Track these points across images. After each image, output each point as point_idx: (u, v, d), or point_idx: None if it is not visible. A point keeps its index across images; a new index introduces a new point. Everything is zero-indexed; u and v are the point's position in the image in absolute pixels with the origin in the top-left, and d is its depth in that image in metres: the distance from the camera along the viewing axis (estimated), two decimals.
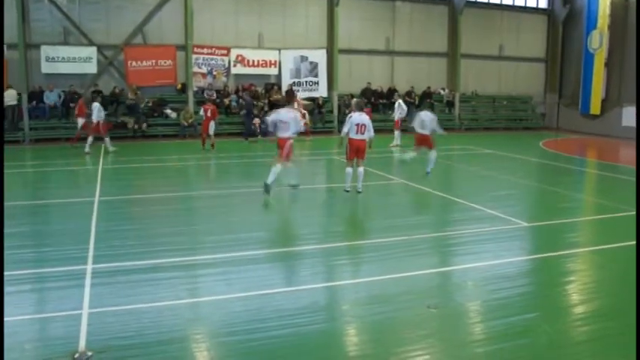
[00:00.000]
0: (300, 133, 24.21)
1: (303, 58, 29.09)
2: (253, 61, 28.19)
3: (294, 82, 28.86)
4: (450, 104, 32.35)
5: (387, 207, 12.94)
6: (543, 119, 35.23)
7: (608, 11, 30.91)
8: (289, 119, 12.84)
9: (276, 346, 5.77)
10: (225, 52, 27.60)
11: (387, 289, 7.41)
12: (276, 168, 12.84)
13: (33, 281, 7.58)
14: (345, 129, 13.37)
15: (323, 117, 28.63)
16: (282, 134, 12.95)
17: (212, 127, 21.74)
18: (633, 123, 28.37)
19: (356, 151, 13.34)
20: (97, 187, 13.96)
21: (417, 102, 30.58)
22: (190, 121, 25.62)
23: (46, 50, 24.37)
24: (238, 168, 19.17)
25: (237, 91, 27.71)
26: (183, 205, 13.09)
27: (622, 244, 9.78)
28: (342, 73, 29.50)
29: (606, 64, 31.36)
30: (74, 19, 24.98)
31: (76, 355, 5.42)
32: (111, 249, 8.93)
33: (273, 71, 28.76)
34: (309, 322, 6.33)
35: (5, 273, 7.50)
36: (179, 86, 27.06)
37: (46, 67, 24.45)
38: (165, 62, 26.37)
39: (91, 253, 8.58)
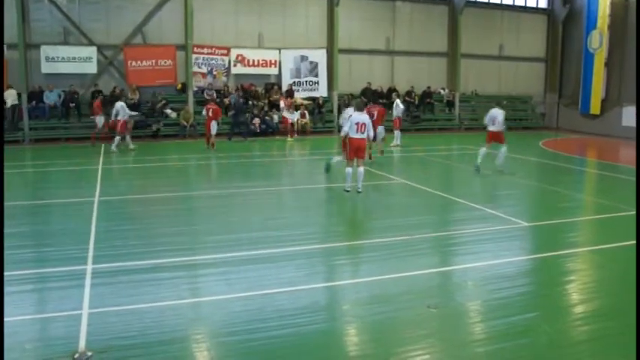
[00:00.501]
0: (283, 133, 24.27)
1: (304, 58, 29.10)
2: (253, 61, 28.19)
3: (294, 82, 28.88)
4: (450, 104, 32.36)
5: (387, 207, 12.94)
6: (543, 119, 35.22)
7: (608, 11, 30.90)
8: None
9: (276, 346, 5.78)
10: (225, 51, 27.60)
11: (388, 288, 7.41)
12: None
13: (33, 281, 7.59)
14: (345, 128, 13.40)
15: (323, 117, 28.64)
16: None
17: (214, 126, 21.78)
18: (633, 123, 28.36)
19: (356, 151, 13.36)
20: (97, 187, 13.96)
21: (416, 102, 30.60)
22: (190, 121, 25.62)
23: (45, 50, 24.38)
24: (239, 168, 19.16)
25: (237, 91, 27.71)
26: (184, 205, 13.09)
27: (622, 243, 9.78)
28: (342, 72, 29.50)
29: (606, 64, 31.35)
30: (74, 19, 24.98)
31: (76, 356, 5.42)
32: (111, 249, 8.94)
33: (274, 71, 28.76)
34: (310, 322, 6.33)
35: (5, 273, 7.50)
36: (179, 86, 27.07)
37: (45, 67, 24.45)
38: (165, 62, 26.37)
39: (91, 253, 8.59)
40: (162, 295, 7.05)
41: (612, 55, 31.16)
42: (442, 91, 32.49)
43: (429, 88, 31.43)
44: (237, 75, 28.15)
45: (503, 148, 16.95)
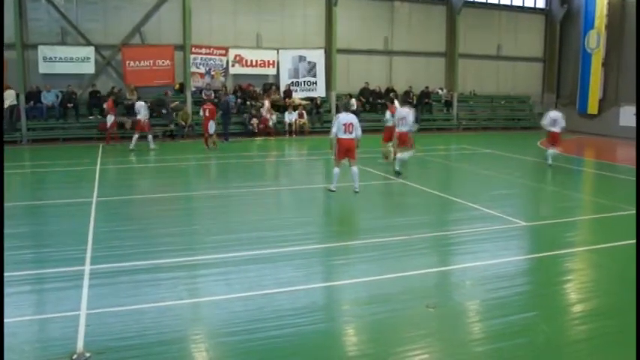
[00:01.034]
0: (263, 134, 24.32)
1: (302, 58, 29.09)
2: (251, 61, 28.18)
3: (292, 82, 28.87)
4: (448, 104, 32.37)
5: (385, 206, 12.95)
6: (541, 119, 35.20)
7: (605, 11, 30.96)
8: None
9: (275, 346, 5.78)
10: (223, 52, 27.59)
11: (386, 288, 7.41)
12: (402, 155, 16.18)
13: (31, 282, 7.58)
14: (333, 129, 13.44)
15: (321, 117, 28.62)
16: (402, 129, 15.96)
17: (212, 126, 21.84)
18: (630, 123, 28.41)
19: (346, 151, 13.40)
20: (94, 188, 13.95)
21: (415, 102, 30.59)
22: (188, 121, 25.62)
23: (43, 50, 24.34)
24: (238, 168, 19.16)
25: (235, 91, 27.71)
26: (183, 205, 13.08)
27: (620, 243, 9.80)
28: (340, 73, 29.50)
29: (603, 64, 31.41)
30: (72, 19, 24.95)
31: (74, 357, 5.41)
32: (110, 249, 8.93)
33: (272, 71, 28.76)
34: (309, 322, 6.34)
35: (4, 274, 7.50)
36: (177, 86, 27.05)
37: (43, 67, 24.42)
38: (163, 62, 26.35)
39: (89, 254, 8.58)
40: (161, 295, 7.05)
41: (610, 55, 31.22)
42: (440, 91, 32.50)
43: (427, 88, 31.44)
44: (235, 75, 28.14)
45: (557, 149, 18.38)
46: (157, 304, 6.77)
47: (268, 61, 28.49)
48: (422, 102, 31.07)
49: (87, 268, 7.96)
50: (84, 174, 16.13)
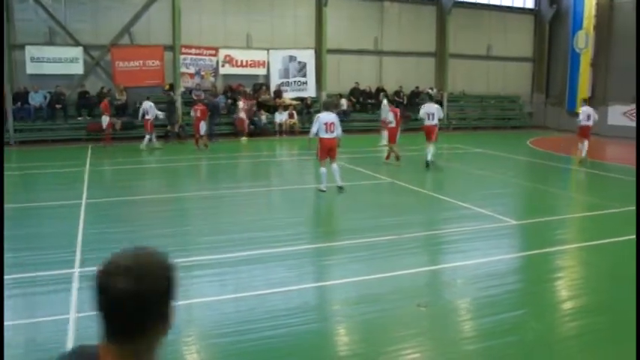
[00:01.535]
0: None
1: (292, 58, 29.05)
2: (241, 62, 28.11)
3: (282, 83, 28.83)
4: (439, 104, 32.39)
5: (376, 206, 12.95)
6: (531, 118, 35.38)
7: (593, 12, 31.13)
8: (435, 110, 16.46)
9: (268, 346, 5.77)
10: (213, 52, 27.51)
11: (377, 288, 7.42)
12: (430, 148, 17.30)
13: (19, 286, 7.50)
14: (314, 129, 13.52)
15: (311, 117, 28.51)
16: (430, 122, 17.49)
17: (203, 127, 21.80)
18: (618, 122, 28.56)
19: (328, 150, 13.50)
20: (84, 189, 13.86)
21: (405, 102, 30.64)
22: (179, 121, 25.51)
23: (30, 51, 24.16)
24: (229, 168, 19.14)
25: (225, 92, 27.65)
26: (174, 206, 13.04)
27: (609, 240, 9.86)
28: (330, 73, 29.49)
29: (592, 64, 31.59)
30: (60, 19, 24.78)
31: None
32: (99, 252, 8.85)
33: (262, 71, 28.69)
34: (301, 323, 6.33)
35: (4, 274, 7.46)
36: (167, 87, 26.92)
37: (30, 68, 24.22)
38: (152, 62, 26.24)
39: (78, 256, 8.53)
40: None
41: (598, 55, 31.40)
42: (430, 91, 32.53)
43: (417, 87, 31.48)
44: (225, 75, 28.06)
45: (587, 142, 19.33)
46: None
47: (258, 62, 28.42)
48: (412, 102, 31.09)
49: (76, 270, 7.92)
50: (73, 175, 16.03)
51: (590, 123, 19.52)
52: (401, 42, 31.67)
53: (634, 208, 12.40)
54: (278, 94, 28.30)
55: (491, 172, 17.43)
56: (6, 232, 10.11)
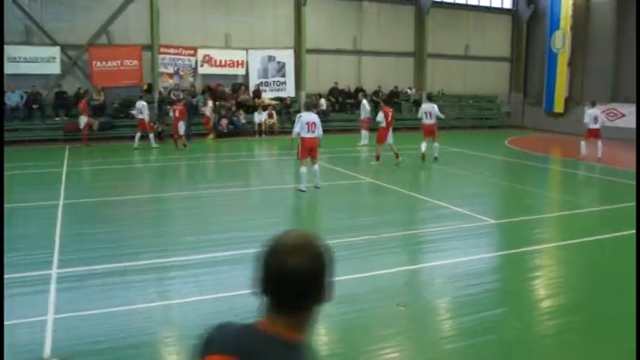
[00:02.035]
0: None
1: (271, 58, 28.99)
2: (220, 61, 27.99)
3: (261, 82, 28.76)
4: (417, 103, 32.51)
5: (355, 206, 12.98)
6: (509, 118, 35.65)
7: (570, 12, 31.46)
8: (432, 109, 17.26)
9: None
10: (192, 52, 27.36)
11: (356, 288, 7.42)
12: (429, 144, 18.48)
13: None
14: (296, 129, 13.64)
15: (291, 117, 28.51)
16: (428, 121, 18.60)
17: (181, 127, 21.68)
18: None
19: (309, 150, 13.58)
20: (61, 190, 13.72)
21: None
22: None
23: (7, 50, 23.82)
24: (209, 169, 19.06)
25: (204, 92, 27.50)
26: (153, 206, 12.94)
27: (587, 239, 9.98)
28: (309, 72, 29.48)
29: (569, 64, 31.93)
30: (36, 18, 24.47)
31: None
32: (78, 253, 8.79)
33: (241, 71, 28.59)
34: None
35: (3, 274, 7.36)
36: (145, 87, 26.72)
37: (7, 68, 23.86)
38: (130, 62, 26.02)
39: (56, 258, 8.44)
40: (132, 298, 6.97)
41: (575, 55, 31.75)
42: (409, 91, 32.67)
43: (396, 87, 31.58)
44: (204, 75, 27.93)
45: (600, 143, 19.86)
46: (127, 307, 6.69)
47: (237, 61, 28.32)
48: (391, 101, 31.13)
49: (54, 272, 7.84)
50: (50, 176, 15.85)
51: (598, 125, 19.97)
52: (380, 42, 31.75)
53: (611, 207, 12.58)
54: (257, 94, 28.23)
55: (470, 171, 17.54)
56: None
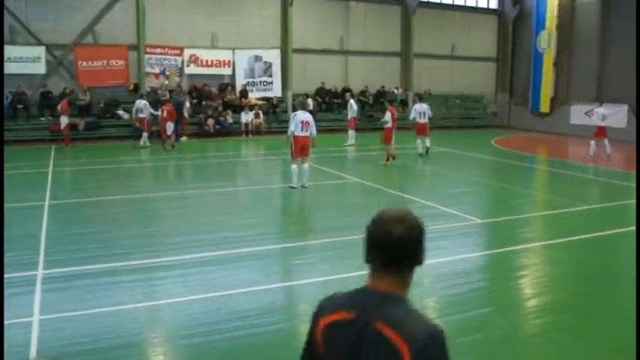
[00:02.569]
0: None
1: (257, 58, 28.95)
2: (207, 61, 27.92)
3: (248, 82, 28.71)
4: (404, 103, 32.63)
5: (342, 206, 13.00)
6: (495, 118, 35.83)
7: (555, 12, 31.66)
8: (426, 110, 18.25)
9: (235, 347, 5.75)
10: (178, 52, 27.26)
11: (344, 287, 7.42)
12: (426, 142, 19.78)
13: None
14: (291, 128, 13.74)
15: (278, 117, 28.56)
16: (422, 120, 19.47)
17: (169, 127, 21.59)
18: (581, 121, 29.06)
19: (301, 149, 13.70)
20: (47, 191, 13.62)
21: (371, 101, 30.78)
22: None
23: None
24: (196, 169, 19.01)
25: (190, 92, 27.43)
26: (140, 207, 12.88)
27: (572, 238, 10.05)
28: (296, 72, 29.48)
29: (555, 64, 32.12)
30: (21, 17, 24.28)
31: None
32: (64, 253, 8.74)
33: (227, 71, 28.52)
34: (269, 323, 6.33)
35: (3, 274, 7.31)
36: (131, 86, 26.62)
37: None
38: (116, 62, 25.90)
39: (41, 258, 8.39)
40: (119, 299, 6.95)
41: (560, 55, 31.94)
42: (396, 91, 32.74)
43: (383, 87, 31.65)
44: (190, 75, 27.84)
45: (606, 140, 20.33)
46: (114, 307, 6.67)
47: (224, 61, 28.25)
48: (378, 101, 31.25)
49: (40, 272, 7.79)
50: (36, 177, 15.73)
51: (605, 123, 20.57)
52: (366, 42, 31.80)
53: (598, 205, 12.70)
54: (244, 94, 28.18)
55: (456, 171, 17.62)
56: None
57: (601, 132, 20.57)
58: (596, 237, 10.24)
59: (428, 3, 33.14)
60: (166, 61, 27.10)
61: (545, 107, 32.52)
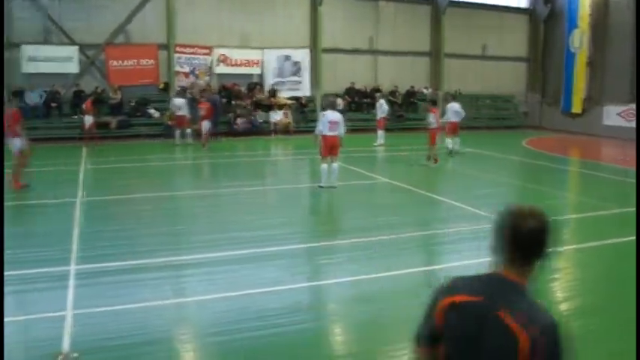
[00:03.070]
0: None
1: (287, 58, 29.01)
2: (236, 61, 28.07)
3: (277, 82, 28.79)
4: (434, 103, 32.35)
5: (371, 206, 12.96)
6: (526, 118, 35.41)
7: (588, 11, 31.13)
8: (458, 109, 17.42)
9: (260, 346, 5.76)
10: (207, 51, 27.46)
11: (373, 287, 7.42)
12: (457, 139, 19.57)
13: (16, 283, 7.49)
14: (319, 127, 13.74)
15: (306, 116, 28.57)
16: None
17: (206, 126, 21.70)
18: (614, 122, 28.63)
19: (330, 148, 13.65)
20: (79, 188, 13.83)
21: (400, 101, 30.66)
22: (174, 121, 25.38)
23: (26, 49, 24.10)
24: (222, 168, 19.11)
25: (219, 91, 27.59)
26: (167, 205, 13.00)
27: (606, 242, 9.87)
28: (325, 72, 29.47)
29: (588, 64, 31.57)
30: (55, 18, 24.71)
31: (60, 357, 5.37)
32: (95, 250, 8.86)
33: (256, 71, 28.64)
34: (294, 322, 6.33)
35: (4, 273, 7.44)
36: (161, 85, 26.89)
37: (26, 67, 24.17)
38: (147, 61, 26.19)
39: (74, 255, 8.51)
40: (146, 295, 7.01)
41: (594, 54, 31.39)
42: (425, 91, 32.54)
43: (412, 87, 31.50)
44: (219, 74, 28.01)
45: None
46: (142, 304, 6.73)
47: (253, 61, 28.38)
48: (408, 101, 31.13)
49: (72, 268, 7.90)
50: (68, 174, 15.97)
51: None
52: (396, 41, 31.67)
53: (630, 209, 12.45)
54: (273, 93, 28.27)
55: (486, 172, 17.45)
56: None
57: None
58: (628, 241, 10.04)
59: (458, 2, 32.85)
60: (196, 61, 27.32)
61: (577, 108, 32.01)
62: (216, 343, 5.84)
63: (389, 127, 25.21)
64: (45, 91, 24.45)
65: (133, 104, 25.81)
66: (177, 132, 22.78)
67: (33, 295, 7.20)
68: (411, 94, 31.22)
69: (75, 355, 5.41)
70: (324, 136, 13.60)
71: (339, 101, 28.13)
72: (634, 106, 27.20)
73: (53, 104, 24.33)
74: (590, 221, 11.70)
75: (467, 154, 20.32)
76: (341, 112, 17.00)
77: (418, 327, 2.61)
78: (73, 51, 24.96)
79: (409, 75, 31.89)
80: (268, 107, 27.73)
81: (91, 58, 25.67)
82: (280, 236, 9.82)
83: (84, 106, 22.68)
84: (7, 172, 12.96)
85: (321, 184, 13.84)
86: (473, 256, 8.84)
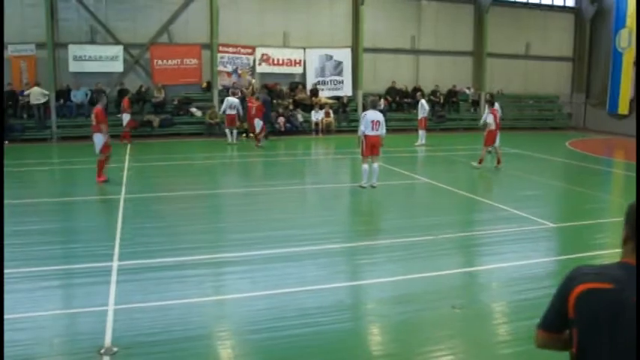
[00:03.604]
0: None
1: (328, 57, 29.03)
2: (278, 60, 28.21)
3: (318, 81, 28.83)
4: (475, 103, 32.07)
5: (411, 206, 12.90)
6: (570, 119, 34.75)
7: (636, 9, 30.33)
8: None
9: (299, 344, 5.79)
10: (250, 50, 27.67)
11: (412, 288, 7.38)
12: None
13: (60, 277, 7.69)
14: (362, 127, 13.69)
15: (347, 116, 28.57)
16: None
17: (258, 124, 21.81)
18: None
19: (371, 148, 13.61)
20: (122, 185, 14.08)
21: (441, 101, 30.42)
22: (216, 119, 25.68)
23: (73, 49, 24.63)
24: (263, 166, 19.23)
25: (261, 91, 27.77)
26: (209, 203, 13.17)
27: None
28: (367, 71, 29.39)
29: (635, 63, 30.79)
30: (101, 18, 25.22)
31: (102, 351, 5.48)
32: (137, 246, 9.02)
33: (298, 70, 28.73)
34: (333, 321, 6.34)
35: (34, 268, 7.65)
36: (204, 85, 27.21)
37: (73, 66, 24.70)
38: (190, 61, 26.52)
39: (117, 250, 8.67)
40: (187, 292, 7.11)
41: None
42: (467, 91, 32.22)
43: (454, 87, 31.20)
44: (262, 74, 28.18)
45: None
46: (182, 300, 6.83)
47: (295, 60, 28.49)
48: (449, 101, 30.86)
49: (115, 264, 8.05)
50: (112, 171, 16.26)
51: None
52: (438, 41, 31.41)
53: None
54: (314, 92, 28.33)
55: (529, 173, 17.18)
56: (47, 225, 10.38)
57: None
58: None
59: (502, 1, 32.41)
60: (238, 60, 27.54)
61: (623, 109, 31.23)
62: (255, 341, 5.88)
63: (430, 127, 25.02)
64: (90, 90, 24.95)
65: (175, 103, 26.17)
66: (231, 131, 22.96)
67: (77, 289, 7.37)
68: (452, 93, 30.94)
69: (115, 349, 5.52)
70: (366, 136, 13.58)
71: (381, 101, 28.09)
72: None
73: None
74: None
75: (505, 157, 20.02)
76: (382, 111, 16.94)
77: (545, 312, 2.72)
78: (118, 50, 25.42)
79: (451, 75, 31.59)
80: (310, 107, 27.80)
81: (136, 58, 26.10)
82: (320, 235, 9.84)
83: (122, 104, 23.12)
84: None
85: (362, 184, 13.84)
86: (512, 259, 8.76)
